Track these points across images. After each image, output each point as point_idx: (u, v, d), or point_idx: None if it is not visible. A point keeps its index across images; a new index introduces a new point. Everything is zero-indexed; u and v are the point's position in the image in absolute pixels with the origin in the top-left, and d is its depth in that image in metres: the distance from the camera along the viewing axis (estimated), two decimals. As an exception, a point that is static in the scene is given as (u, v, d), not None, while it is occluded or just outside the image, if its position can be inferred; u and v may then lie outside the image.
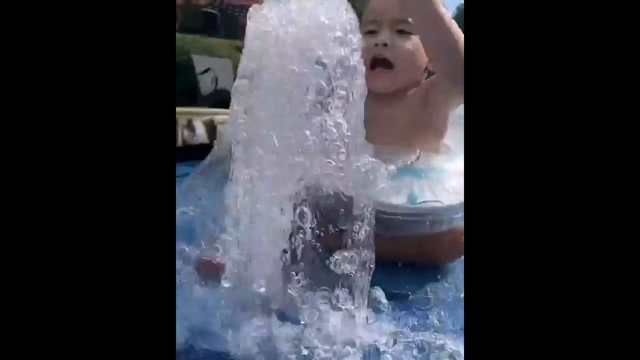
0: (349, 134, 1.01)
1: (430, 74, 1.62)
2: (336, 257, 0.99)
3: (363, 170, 1.01)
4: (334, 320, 0.98)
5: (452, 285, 1.32)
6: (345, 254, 0.98)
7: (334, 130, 0.99)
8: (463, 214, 1.30)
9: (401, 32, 1.47)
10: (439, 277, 1.35)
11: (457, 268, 1.39)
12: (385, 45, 1.45)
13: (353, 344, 0.96)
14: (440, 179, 1.39)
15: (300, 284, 1.00)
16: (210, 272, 1.23)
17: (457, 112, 1.69)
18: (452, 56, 1.22)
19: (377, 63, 1.47)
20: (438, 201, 1.33)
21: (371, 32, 1.49)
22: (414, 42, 1.48)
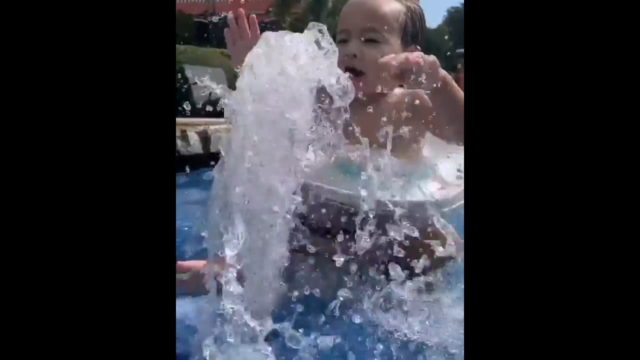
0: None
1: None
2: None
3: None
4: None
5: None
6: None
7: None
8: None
9: (370, 41, 1.49)
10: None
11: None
12: (354, 56, 1.48)
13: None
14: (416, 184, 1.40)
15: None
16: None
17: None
18: (459, 123, 1.23)
19: (348, 71, 1.48)
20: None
21: (342, 42, 1.50)
22: (382, 50, 1.47)
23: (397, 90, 1.57)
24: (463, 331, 0.74)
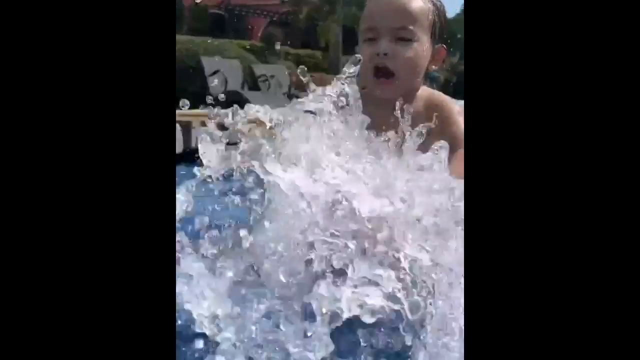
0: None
1: (430, 78, 1.64)
2: None
3: None
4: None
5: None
6: None
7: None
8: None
9: (401, 40, 1.47)
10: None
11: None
12: (385, 54, 1.45)
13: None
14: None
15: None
16: None
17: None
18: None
19: (379, 72, 1.46)
20: None
21: (370, 40, 1.47)
22: (414, 49, 1.46)
23: (420, 92, 1.56)
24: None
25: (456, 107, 1.44)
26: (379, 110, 1.35)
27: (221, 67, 8.98)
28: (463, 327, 0.74)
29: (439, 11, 1.51)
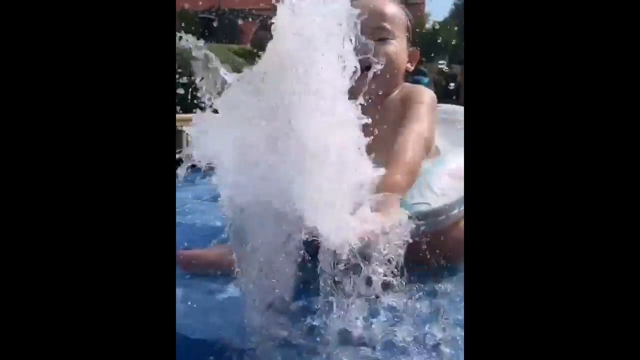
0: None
1: (410, 75, 1.69)
2: None
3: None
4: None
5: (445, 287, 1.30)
6: None
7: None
8: (450, 215, 1.31)
9: (380, 40, 1.50)
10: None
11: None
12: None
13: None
14: (429, 182, 1.41)
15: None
16: (191, 264, 1.27)
17: (442, 109, 1.72)
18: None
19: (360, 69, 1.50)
20: (426, 204, 1.34)
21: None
22: (393, 46, 1.53)
23: (401, 87, 1.61)
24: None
25: (426, 96, 1.50)
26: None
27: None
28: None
29: (409, 18, 1.61)
